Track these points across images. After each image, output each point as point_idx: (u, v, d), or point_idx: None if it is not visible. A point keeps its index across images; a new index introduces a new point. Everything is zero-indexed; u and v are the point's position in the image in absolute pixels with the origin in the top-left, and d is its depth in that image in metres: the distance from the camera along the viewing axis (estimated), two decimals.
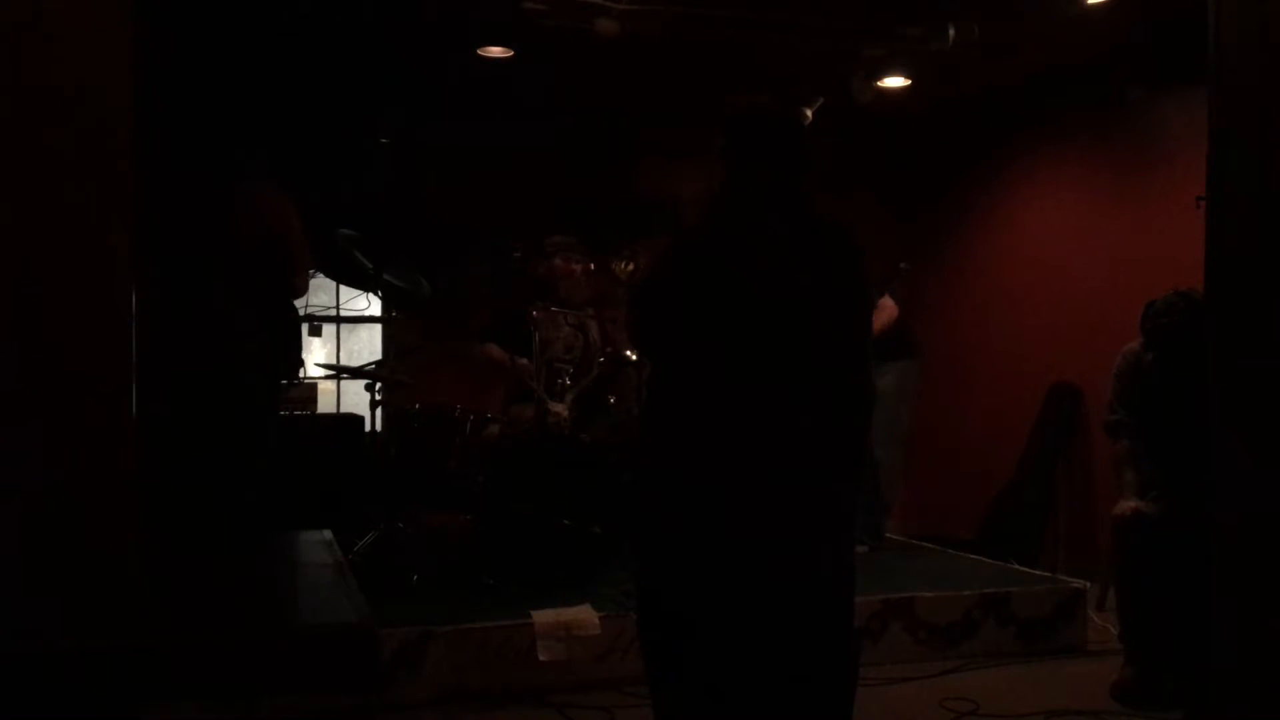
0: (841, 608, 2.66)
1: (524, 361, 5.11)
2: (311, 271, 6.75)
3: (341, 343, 7.42)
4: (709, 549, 2.53)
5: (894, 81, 5.82)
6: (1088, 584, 4.84)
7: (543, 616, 4.11)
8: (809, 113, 5.81)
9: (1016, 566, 5.41)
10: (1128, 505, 4.09)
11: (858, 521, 2.90)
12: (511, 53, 5.71)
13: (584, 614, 4.17)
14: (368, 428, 5.72)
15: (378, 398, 5.24)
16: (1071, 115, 6.42)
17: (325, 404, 6.85)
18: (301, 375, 6.45)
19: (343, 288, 7.07)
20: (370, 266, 5.09)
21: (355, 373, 5.73)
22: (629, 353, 5.27)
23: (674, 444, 2.60)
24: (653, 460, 2.67)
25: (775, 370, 2.51)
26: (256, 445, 4.73)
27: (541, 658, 4.04)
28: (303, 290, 5.04)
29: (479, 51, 5.69)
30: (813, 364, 2.54)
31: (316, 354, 7.34)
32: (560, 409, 4.89)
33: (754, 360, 2.52)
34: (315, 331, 7.10)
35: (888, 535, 5.92)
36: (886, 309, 5.43)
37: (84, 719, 1.57)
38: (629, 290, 2.88)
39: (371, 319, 7.32)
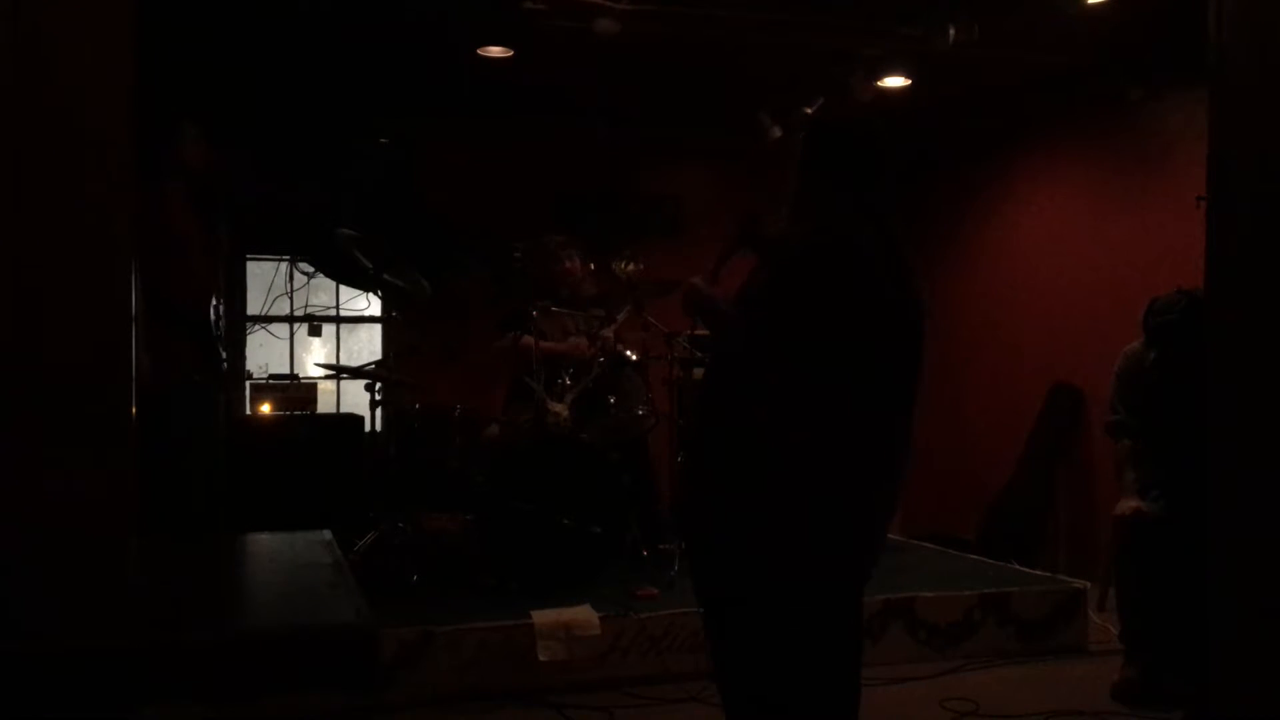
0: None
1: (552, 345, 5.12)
2: (311, 270, 6.78)
3: (341, 343, 7.43)
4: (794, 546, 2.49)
5: (894, 81, 5.81)
6: (1088, 584, 4.84)
7: (543, 616, 4.11)
8: (809, 112, 5.81)
9: (1016, 566, 5.41)
10: (1128, 505, 4.09)
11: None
12: (511, 53, 5.70)
13: (584, 614, 4.17)
14: (368, 428, 5.72)
15: (378, 398, 5.24)
16: (1071, 115, 6.42)
17: (325, 404, 6.85)
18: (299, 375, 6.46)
19: (343, 288, 7.08)
20: (370, 266, 5.09)
21: (355, 373, 5.73)
22: (629, 353, 5.27)
23: (769, 450, 2.50)
24: (744, 462, 2.55)
25: (884, 389, 2.53)
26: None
27: (541, 658, 4.04)
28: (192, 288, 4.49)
29: (479, 51, 5.69)
30: (909, 384, 2.58)
31: (316, 354, 7.35)
32: (560, 409, 4.89)
33: (869, 379, 2.51)
34: (315, 331, 7.11)
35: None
36: None
37: (83, 719, 1.57)
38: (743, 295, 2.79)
39: (371, 319, 7.32)
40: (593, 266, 5.64)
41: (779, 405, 2.52)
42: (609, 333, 5.31)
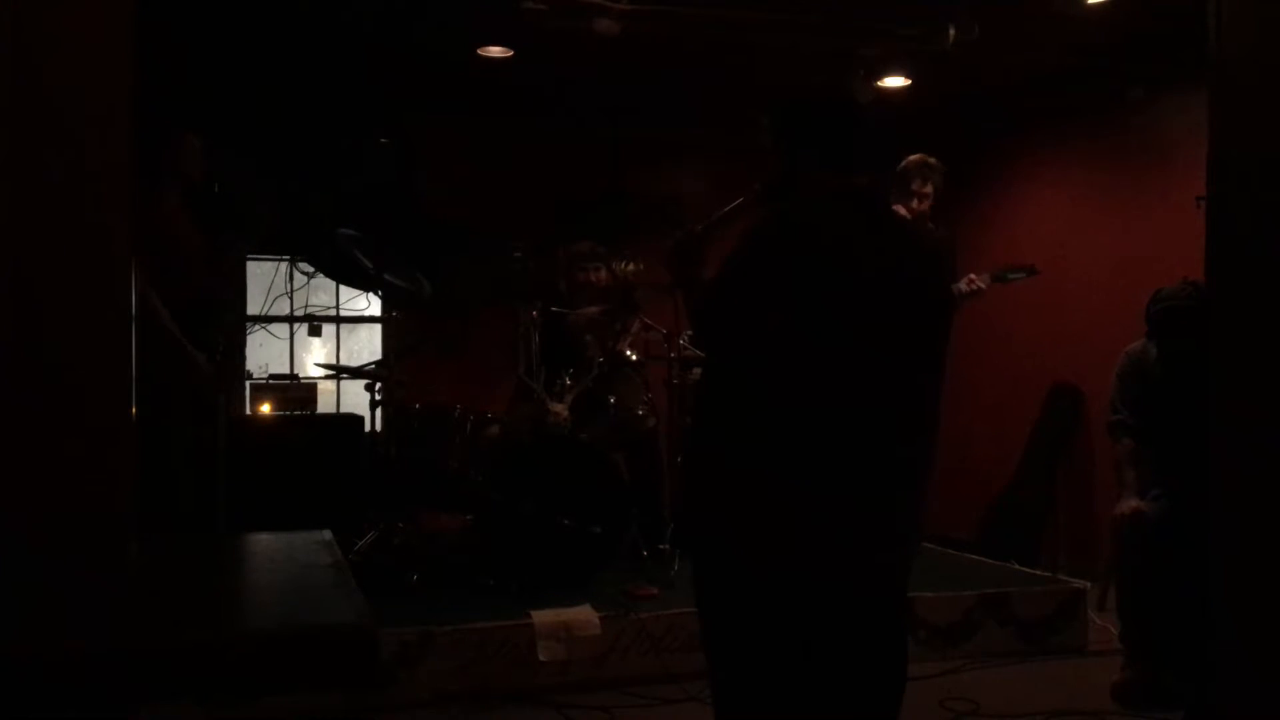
0: (897, 619, 2.61)
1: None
2: (311, 270, 6.78)
3: (341, 343, 7.43)
4: (774, 552, 2.38)
5: (894, 81, 5.82)
6: (1088, 584, 4.84)
7: (543, 616, 4.11)
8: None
9: (1016, 566, 5.41)
10: (1128, 505, 4.09)
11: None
12: (511, 53, 5.71)
13: (584, 614, 4.17)
14: (368, 428, 5.73)
15: (378, 398, 5.24)
16: (1071, 115, 6.42)
17: (325, 404, 6.85)
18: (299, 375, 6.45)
19: (343, 288, 7.08)
20: (370, 266, 5.09)
21: (355, 373, 5.73)
22: (629, 353, 5.27)
23: (740, 445, 2.42)
24: (717, 459, 2.47)
25: (851, 373, 2.36)
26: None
27: (541, 658, 4.04)
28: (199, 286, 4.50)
29: (479, 51, 5.69)
30: (901, 372, 2.39)
31: (316, 354, 7.35)
32: (560, 409, 4.89)
33: (830, 363, 2.35)
34: (315, 331, 7.12)
35: None
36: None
37: (84, 719, 1.57)
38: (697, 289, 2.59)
39: (371, 319, 7.32)
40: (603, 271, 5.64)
41: (713, 393, 2.52)
42: (624, 347, 5.31)
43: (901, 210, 5.18)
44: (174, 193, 4.56)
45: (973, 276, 5.37)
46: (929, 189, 5.27)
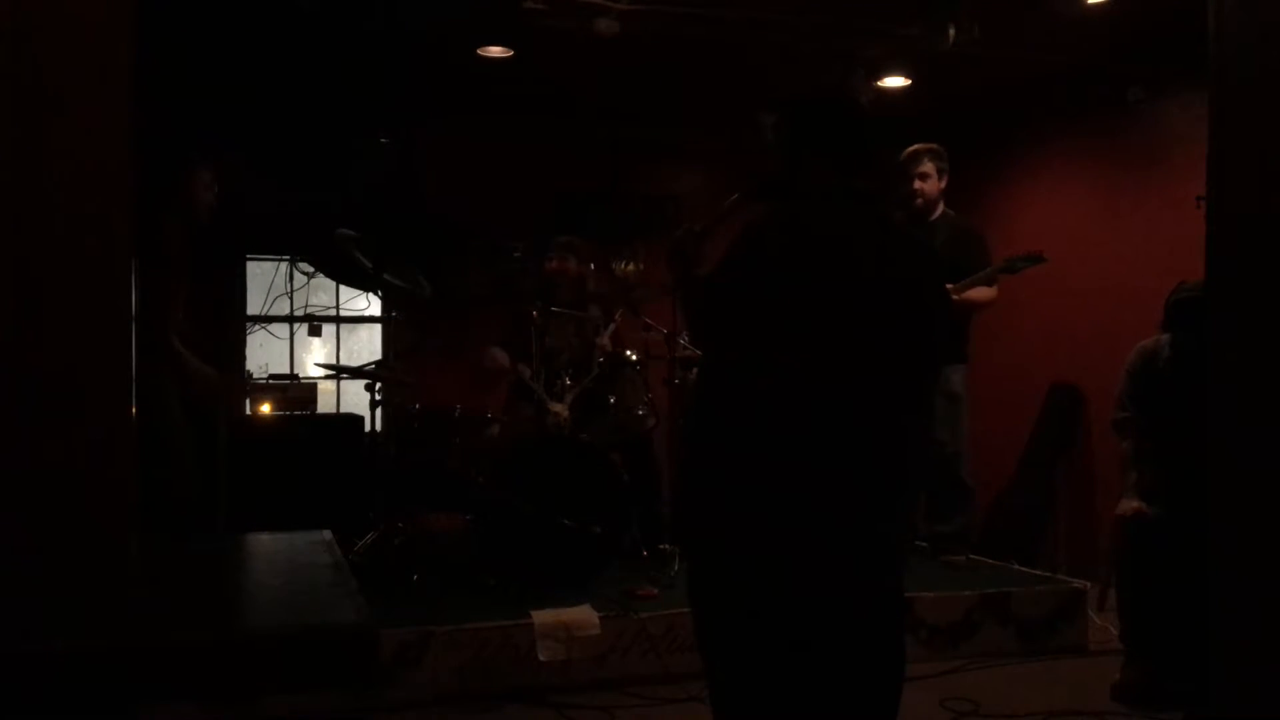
0: (892, 617, 2.61)
1: (524, 368, 5.11)
2: (311, 270, 6.79)
3: (341, 343, 7.43)
4: (768, 550, 2.41)
5: (894, 81, 5.82)
6: (1088, 584, 4.84)
7: (543, 616, 4.11)
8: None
9: (1016, 566, 5.41)
10: (1130, 505, 4.09)
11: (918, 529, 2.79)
12: (511, 53, 5.70)
13: (584, 614, 4.17)
14: (368, 428, 5.73)
15: (378, 398, 5.24)
16: (1071, 115, 6.42)
17: (325, 404, 6.85)
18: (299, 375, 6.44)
19: (343, 288, 7.08)
20: (370, 266, 5.09)
21: (355, 373, 5.73)
22: (629, 353, 5.27)
23: (735, 442, 2.46)
24: (713, 456, 2.51)
25: (846, 372, 2.39)
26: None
27: (541, 658, 4.04)
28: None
29: (479, 51, 5.69)
30: (884, 367, 2.42)
31: (316, 354, 7.35)
32: (560, 409, 4.89)
33: (826, 361, 2.39)
34: (315, 331, 7.12)
35: None
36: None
37: (84, 719, 1.57)
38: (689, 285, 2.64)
39: (371, 319, 7.32)
40: (593, 266, 5.64)
41: (708, 391, 2.56)
42: (605, 340, 5.31)
43: (916, 195, 5.21)
44: (179, 225, 4.55)
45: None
46: (929, 167, 5.25)
